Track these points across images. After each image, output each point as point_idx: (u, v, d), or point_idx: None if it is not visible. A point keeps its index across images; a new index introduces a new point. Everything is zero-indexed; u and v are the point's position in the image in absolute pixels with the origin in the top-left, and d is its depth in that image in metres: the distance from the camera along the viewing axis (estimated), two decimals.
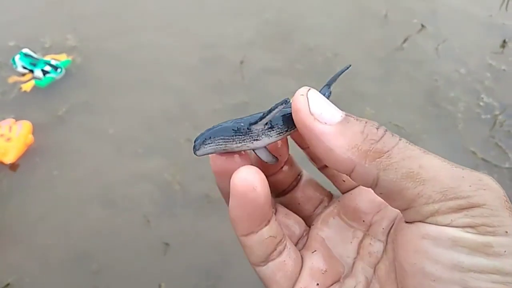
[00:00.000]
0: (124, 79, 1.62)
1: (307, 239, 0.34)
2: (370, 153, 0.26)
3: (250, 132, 0.28)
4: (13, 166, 1.38)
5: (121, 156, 1.41)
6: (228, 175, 0.28)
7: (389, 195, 0.26)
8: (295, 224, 0.35)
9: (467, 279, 0.24)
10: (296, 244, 0.34)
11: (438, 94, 1.57)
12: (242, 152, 0.30)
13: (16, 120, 1.46)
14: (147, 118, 1.51)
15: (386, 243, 0.31)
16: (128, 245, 1.24)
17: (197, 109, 1.53)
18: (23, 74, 1.58)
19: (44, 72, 1.56)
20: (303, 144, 0.35)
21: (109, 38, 1.73)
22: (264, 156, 0.30)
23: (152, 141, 1.45)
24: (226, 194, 0.30)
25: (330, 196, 0.37)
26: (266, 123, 0.29)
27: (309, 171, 0.38)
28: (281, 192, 0.36)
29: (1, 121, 1.46)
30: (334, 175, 0.35)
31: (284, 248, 0.30)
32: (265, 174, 0.30)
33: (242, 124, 0.28)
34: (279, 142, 0.31)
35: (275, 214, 0.33)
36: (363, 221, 0.33)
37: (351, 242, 0.33)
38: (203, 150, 0.28)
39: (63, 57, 1.63)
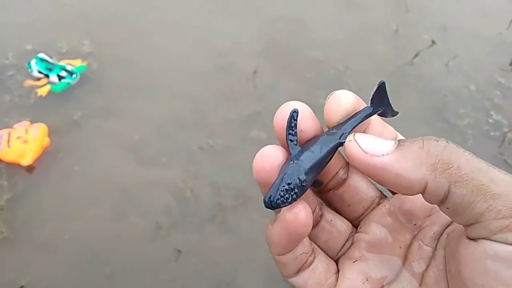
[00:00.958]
0: (138, 85, 1.64)
1: (351, 244, 0.33)
2: (437, 165, 0.25)
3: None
4: (30, 168, 1.40)
5: (135, 161, 1.43)
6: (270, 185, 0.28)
7: (456, 209, 0.26)
8: (342, 228, 0.33)
9: None
10: (340, 250, 0.33)
11: (447, 110, 1.60)
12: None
13: (32, 123, 1.48)
14: (160, 124, 1.53)
15: (435, 249, 0.30)
16: (141, 251, 1.26)
17: (209, 117, 1.55)
18: (38, 79, 1.61)
19: (60, 77, 1.59)
20: None
21: (124, 44, 1.75)
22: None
23: (165, 148, 1.47)
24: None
25: (381, 196, 0.34)
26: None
27: None
28: (325, 187, 0.33)
29: (17, 124, 1.48)
30: None
31: (314, 258, 0.31)
32: None
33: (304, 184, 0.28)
34: None
35: (320, 218, 0.33)
36: (414, 224, 0.32)
37: (400, 247, 0.32)
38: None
39: (78, 63, 1.66)
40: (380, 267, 0.31)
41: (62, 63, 1.65)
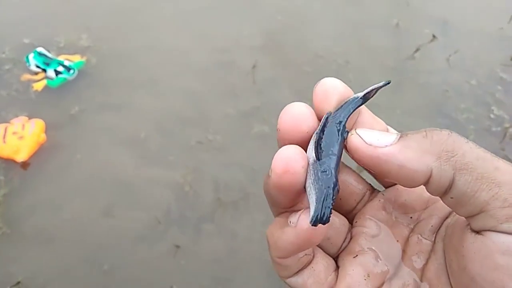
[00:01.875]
0: (137, 80, 1.63)
1: (350, 238, 0.32)
2: (443, 153, 0.25)
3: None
4: (25, 165, 1.39)
5: (133, 156, 1.42)
6: (293, 189, 0.27)
7: (461, 199, 0.25)
8: (340, 224, 0.33)
9: None
10: (341, 245, 0.32)
11: (448, 105, 1.58)
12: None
13: (29, 118, 1.46)
14: (159, 119, 1.51)
15: (434, 243, 0.30)
16: (139, 247, 1.25)
17: (209, 112, 1.54)
18: (36, 73, 1.59)
19: (57, 72, 1.57)
20: None
21: (122, 39, 1.74)
22: None
23: (163, 143, 1.45)
24: (277, 203, 0.29)
25: (371, 189, 0.34)
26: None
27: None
28: None
29: (14, 119, 1.47)
30: None
31: (313, 257, 0.30)
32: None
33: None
34: None
35: None
36: (411, 217, 0.31)
37: (397, 241, 0.31)
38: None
39: (77, 58, 1.64)
40: (381, 261, 0.30)
41: (61, 58, 1.63)
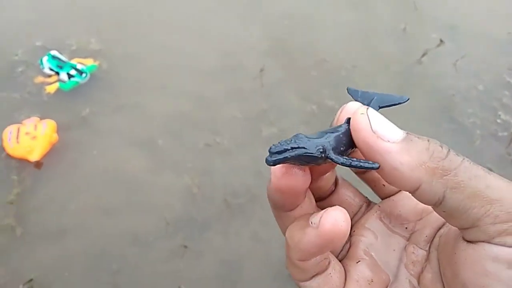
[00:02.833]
0: (146, 83, 1.65)
1: (349, 247, 0.33)
2: (437, 170, 0.25)
3: (323, 162, 0.28)
4: (38, 164, 1.42)
5: (142, 158, 1.45)
6: (291, 192, 0.28)
7: (452, 214, 0.26)
8: None
9: None
10: (340, 252, 0.33)
11: (455, 110, 1.59)
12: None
13: (41, 119, 1.50)
14: (168, 122, 1.54)
15: (429, 252, 0.31)
16: (148, 247, 1.27)
17: (216, 114, 1.56)
18: (49, 76, 1.62)
19: (69, 76, 1.60)
20: None
21: (132, 42, 1.77)
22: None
23: (172, 145, 1.48)
24: (278, 206, 0.30)
25: (368, 202, 0.35)
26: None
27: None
28: (318, 198, 0.34)
29: (26, 120, 1.50)
30: (374, 179, 0.34)
31: (329, 262, 0.30)
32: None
33: (323, 155, 0.27)
34: None
35: None
36: (406, 228, 0.32)
37: (394, 250, 0.32)
38: (277, 164, 0.27)
39: (89, 62, 1.67)
40: (381, 269, 0.31)
41: (74, 61, 1.66)
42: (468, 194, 0.25)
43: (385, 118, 0.27)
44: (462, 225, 0.26)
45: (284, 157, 0.26)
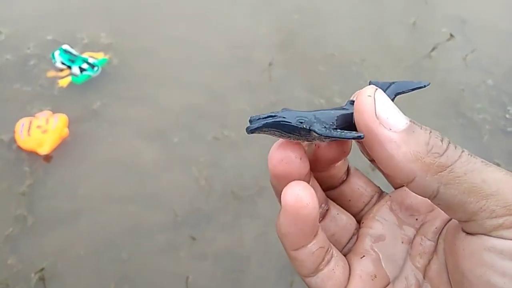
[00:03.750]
0: (157, 75, 1.67)
1: (356, 239, 0.33)
2: (432, 166, 0.25)
3: (308, 135, 0.27)
4: (47, 158, 1.44)
5: (152, 150, 1.46)
6: (288, 178, 0.28)
7: (448, 207, 0.26)
8: (347, 223, 0.33)
9: None
10: (346, 244, 0.33)
11: (464, 104, 1.58)
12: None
13: (53, 113, 1.52)
14: (178, 114, 1.55)
15: (437, 243, 0.31)
16: (156, 238, 1.29)
17: (225, 108, 1.58)
18: (61, 70, 1.65)
19: (81, 69, 1.62)
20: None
21: (144, 35, 1.78)
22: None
23: (181, 138, 1.49)
24: (278, 194, 0.30)
25: (380, 192, 0.35)
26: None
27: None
28: (329, 186, 0.34)
29: (39, 113, 1.52)
30: None
31: (332, 257, 0.30)
32: (319, 170, 0.31)
33: (304, 125, 0.27)
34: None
35: (326, 212, 0.33)
36: (416, 219, 0.32)
37: (402, 242, 0.32)
38: (257, 133, 0.27)
39: (100, 56, 1.69)
40: (385, 263, 0.31)
41: (85, 55, 1.68)
42: (463, 190, 0.25)
43: (392, 104, 0.27)
44: (459, 218, 0.26)
45: (260, 125, 0.26)
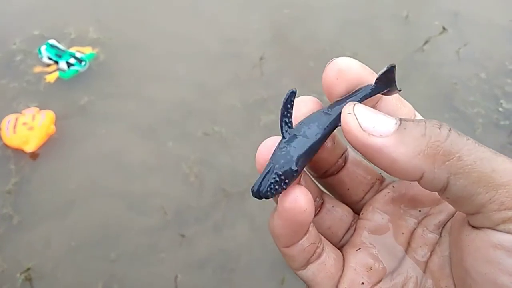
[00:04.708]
0: (146, 70, 1.64)
1: (354, 231, 0.32)
2: (438, 156, 0.24)
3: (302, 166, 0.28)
4: (33, 155, 1.41)
5: (141, 146, 1.44)
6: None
7: (457, 200, 0.25)
8: (343, 215, 0.32)
9: None
10: (343, 237, 0.32)
11: (457, 98, 1.57)
12: None
13: (40, 109, 1.49)
14: (167, 110, 1.53)
15: (440, 236, 0.29)
16: (145, 236, 1.27)
17: (215, 103, 1.55)
18: (48, 65, 1.62)
19: (69, 64, 1.59)
20: None
21: (132, 30, 1.75)
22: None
23: (170, 133, 1.47)
24: None
25: (381, 178, 0.33)
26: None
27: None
28: (325, 173, 0.33)
29: (25, 110, 1.50)
30: None
31: (323, 250, 0.30)
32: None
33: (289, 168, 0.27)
34: None
35: (321, 205, 0.32)
36: (419, 211, 0.31)
37: (402, 233, 0.30)
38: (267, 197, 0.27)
39: (88, 50, 1.66)
40: (383, 255, 0.30)
41: (72, 50, 1.65)
42: (473, 179, 0.24)
43: (373, 111, 0.26)
44: (467, 211, 0.25)
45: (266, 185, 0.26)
